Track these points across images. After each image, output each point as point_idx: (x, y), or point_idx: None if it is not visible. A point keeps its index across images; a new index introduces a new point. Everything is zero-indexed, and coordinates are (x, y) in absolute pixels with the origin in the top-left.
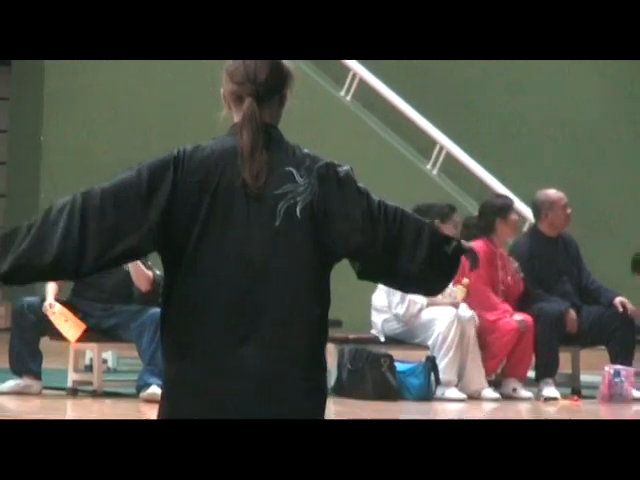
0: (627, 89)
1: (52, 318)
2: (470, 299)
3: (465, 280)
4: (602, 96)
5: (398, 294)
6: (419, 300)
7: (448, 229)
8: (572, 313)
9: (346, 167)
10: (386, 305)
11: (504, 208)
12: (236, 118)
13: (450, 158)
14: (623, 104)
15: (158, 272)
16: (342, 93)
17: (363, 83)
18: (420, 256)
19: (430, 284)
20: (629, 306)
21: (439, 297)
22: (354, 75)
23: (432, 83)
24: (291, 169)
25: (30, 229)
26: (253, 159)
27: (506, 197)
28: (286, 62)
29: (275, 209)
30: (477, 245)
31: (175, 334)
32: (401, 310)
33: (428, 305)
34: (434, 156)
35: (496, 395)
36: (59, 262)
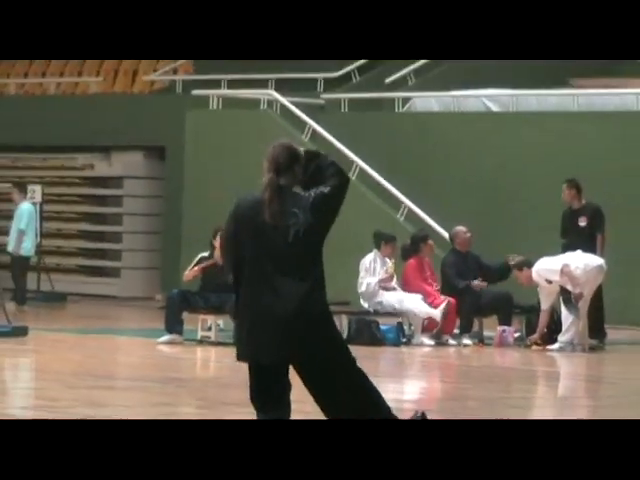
0: (521, 139)
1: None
2: (414, 289)
3: (392, 260)
4: (499, 149)
5: (360, 278)
6: (372, 280)
7: (389, 248)
8: (475, 284)
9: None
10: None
11: (424, 237)
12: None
13: (410, 212)
14: (517, 152)
15: None
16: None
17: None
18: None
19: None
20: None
21: (382, 273)
22: (356, 166)
23: (401, 164)
24: (295, 210)
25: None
26: (270, 207)
27: (425, 231)
28: (298, 149)
29: (288, 233)
30: (411, 262)
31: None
32: (362, 289)
33: (380, 282)
34: (401, 211)
35: (432, 342)
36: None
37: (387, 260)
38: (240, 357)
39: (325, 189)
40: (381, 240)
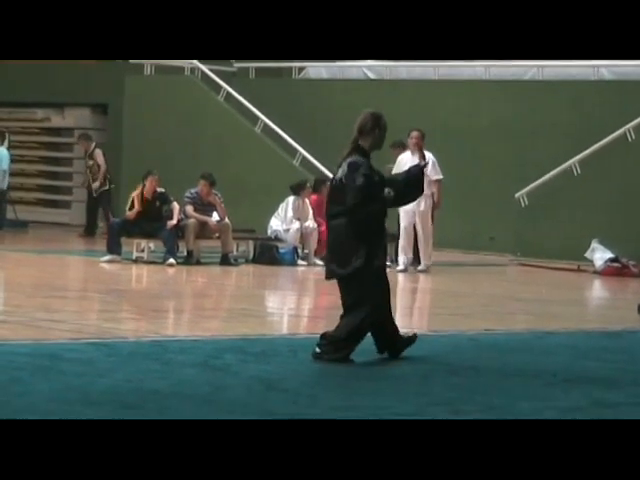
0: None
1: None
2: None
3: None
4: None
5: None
6: (274, 224)
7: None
8: None
9: (347, 163)
10: (275, 225)
11: (324, 181)
12: None
13: (304, 159)
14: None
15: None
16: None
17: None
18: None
19: None
20: None
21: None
22: (261, 122)
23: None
24: (342, 161)
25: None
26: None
27: (325, 176)
28: (383, 116)
29: (336, 178)
30: (313, 198)
31: None
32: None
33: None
34: (296, 158)
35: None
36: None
37: (306, 201)
38: None
39: (358, 179)
40: (300, 189)
